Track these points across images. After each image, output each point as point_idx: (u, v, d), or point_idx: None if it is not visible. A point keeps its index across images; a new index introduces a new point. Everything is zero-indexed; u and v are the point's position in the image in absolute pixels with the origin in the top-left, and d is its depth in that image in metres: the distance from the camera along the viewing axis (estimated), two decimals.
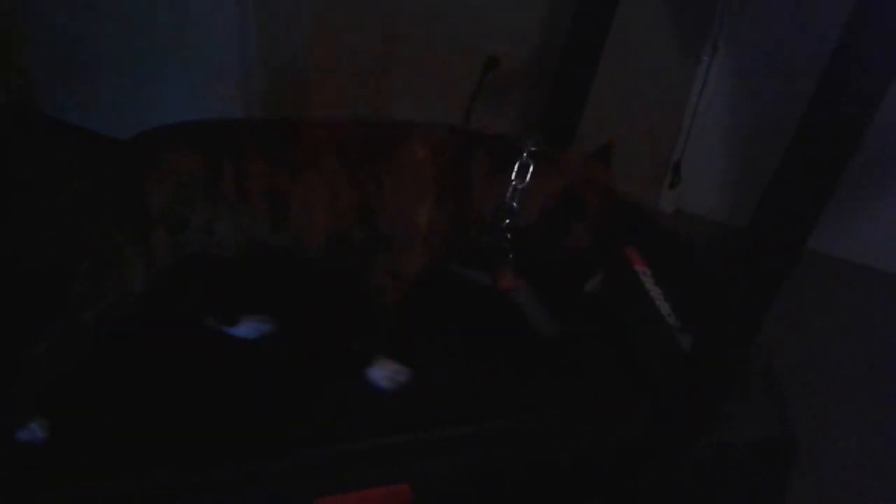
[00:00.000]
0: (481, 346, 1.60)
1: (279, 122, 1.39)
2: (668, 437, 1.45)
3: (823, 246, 2.70)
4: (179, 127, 1.31)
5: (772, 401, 1.57)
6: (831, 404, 2.10)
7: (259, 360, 1.52)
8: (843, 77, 1.07)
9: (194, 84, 2.31)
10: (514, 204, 1.34)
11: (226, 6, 2.12)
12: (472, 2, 2.42)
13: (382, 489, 1.32)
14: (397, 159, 1.33)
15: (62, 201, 1.25)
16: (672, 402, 1.43)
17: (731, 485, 1.56)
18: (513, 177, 1.33)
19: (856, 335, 2.40)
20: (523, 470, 1.45)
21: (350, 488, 1.31)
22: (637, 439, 1.45)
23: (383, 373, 1.48)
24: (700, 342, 1.43)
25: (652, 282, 1.79)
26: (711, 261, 2.04)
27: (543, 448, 1.45)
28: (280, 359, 1.53)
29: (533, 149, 1.35)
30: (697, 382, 1.41)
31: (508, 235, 1.37)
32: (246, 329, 1.56)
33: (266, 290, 1.65)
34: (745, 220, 1.29)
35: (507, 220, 1.35)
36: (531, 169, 1.33)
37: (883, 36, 1.03)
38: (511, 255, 1.40)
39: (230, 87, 2.17)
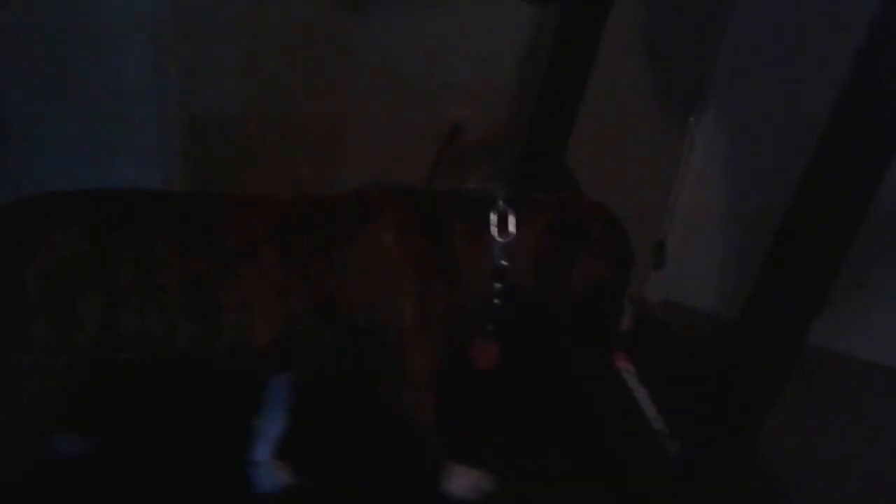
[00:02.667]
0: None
1: (202, 198, 1.26)
2: None
3: (826, 341, 2.66)
4: (73, 196, 1.18)
5: None
6: None
7: None
8: (843, 144, 1.06)
9: (100, 142, 2.19)
10: (503, 262, 1.28)
11: (140, 49, 2.03)
12: (432, 63, 2.43)
13: None
14: (360, 247, 1.23)
15: None
16: None
17: None
18: (495, 233, 1.28)
19: (867, 441, 2.37)
20: None
21: None
22: None
23: (462, 482, 1.41)
24: (690, 450, 1.41)
25: (636, 381, 1.78)
26: (704, 358, 2.02)
27: None
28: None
29: (505, 196, 1.30)
30: (687, 495, 1.38)
31: (496, 301, 1.30)
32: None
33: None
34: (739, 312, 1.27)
35: (499, 284, 1.29)
36: (512, 218, 1.28)
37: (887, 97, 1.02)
38: (491, 327, 1.34)
39: (146, 141, 2.10)
